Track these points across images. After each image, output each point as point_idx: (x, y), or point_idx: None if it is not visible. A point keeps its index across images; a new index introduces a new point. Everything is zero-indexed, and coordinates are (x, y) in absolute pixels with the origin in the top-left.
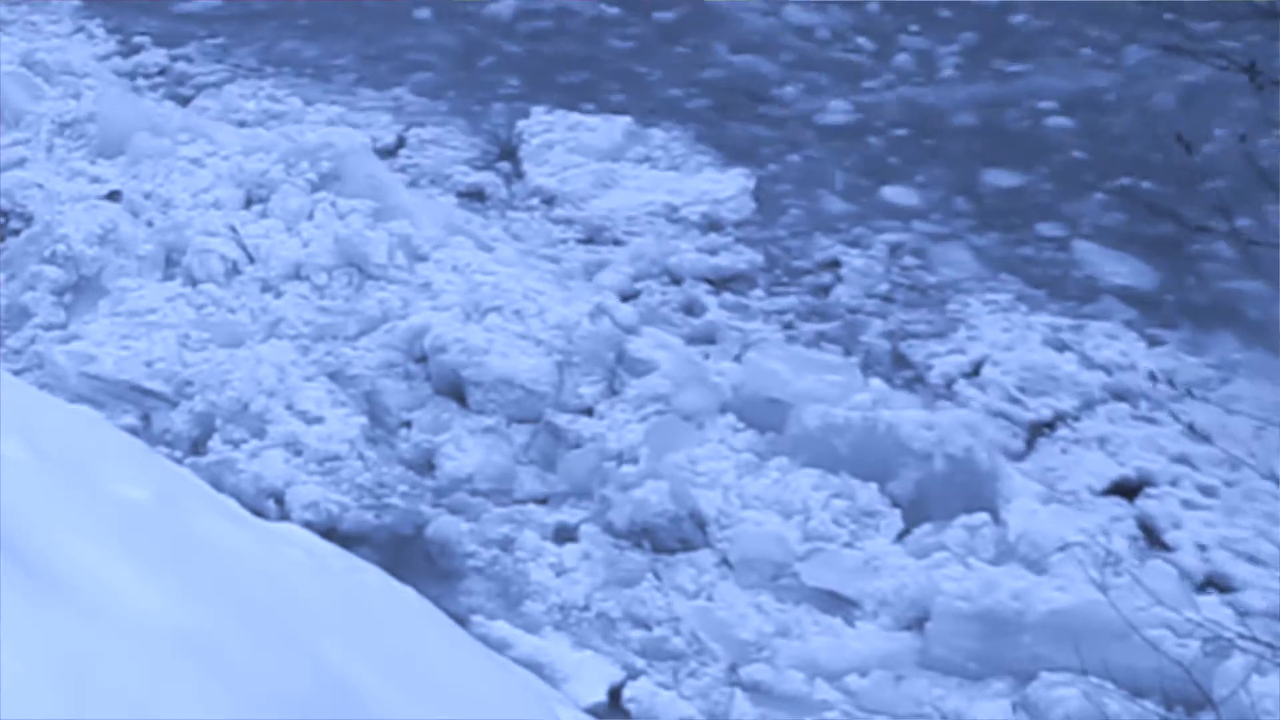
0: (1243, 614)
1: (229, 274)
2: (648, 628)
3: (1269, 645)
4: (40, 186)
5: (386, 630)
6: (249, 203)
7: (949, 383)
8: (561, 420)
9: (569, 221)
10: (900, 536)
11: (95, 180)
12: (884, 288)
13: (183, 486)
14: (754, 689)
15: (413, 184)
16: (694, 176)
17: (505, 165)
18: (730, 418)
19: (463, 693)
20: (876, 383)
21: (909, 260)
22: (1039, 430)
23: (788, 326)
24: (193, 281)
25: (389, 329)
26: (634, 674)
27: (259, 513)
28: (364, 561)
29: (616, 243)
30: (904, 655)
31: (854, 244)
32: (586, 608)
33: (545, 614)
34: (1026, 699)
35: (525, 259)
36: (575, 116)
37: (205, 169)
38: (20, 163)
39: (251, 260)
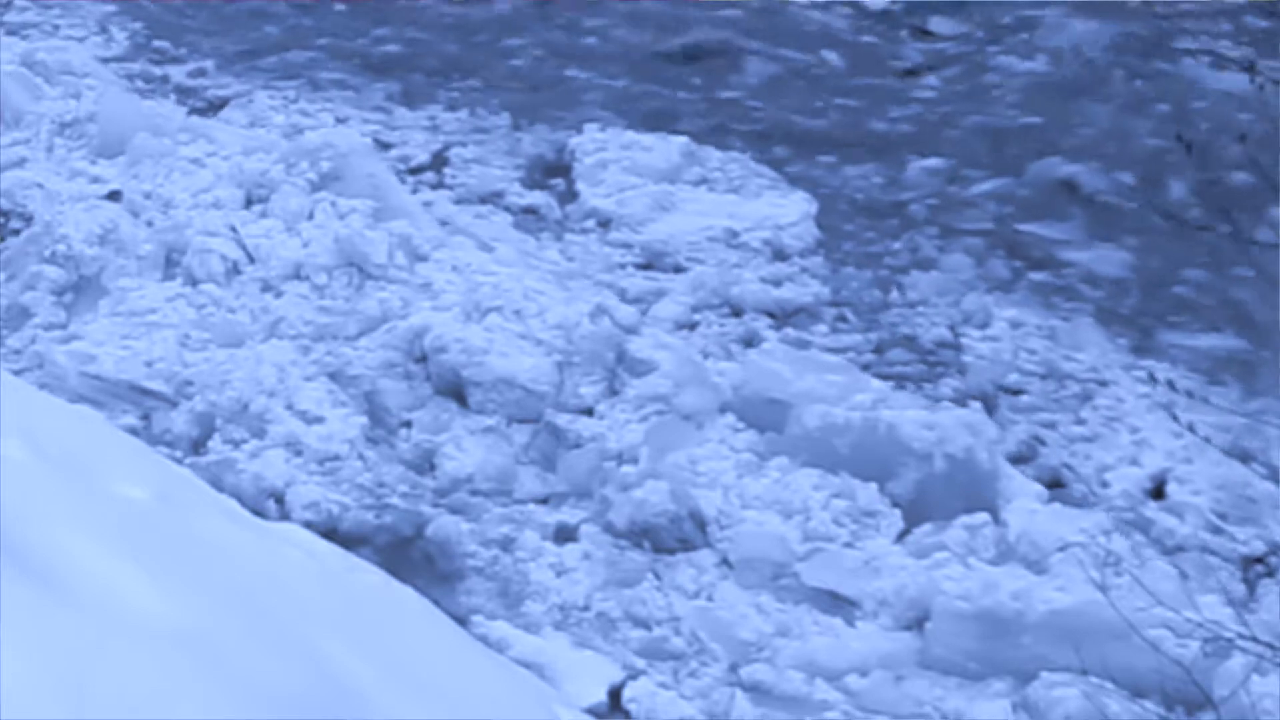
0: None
1: (229, 274)
2: (648, 628)
3: (1269, 645)
4: (40, 186)
5: (386, 630)
6: (249, 203)
7: (1134, 504)
8: (561, 420)
9: (626, 245)
10: (900, 536)
11: (95, 180)
12: (1013, 376)
13: (183, 486)
14: (754, 689)
15: (460, 202)
16: (754, 200)
17: (557, 183)
18: (730, 418)
19: (463, 693)
20: (876, 383)
21: (1037, 344)
22: (1252, 566)
23: (866, 369)
24: (193, 281)
25: (389, 329)
26: (634, 674)
27: (259, 513)
28: (364, 561)
29: (677, 269)
30: (904, 655)
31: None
32: (586, 608)
33: (545, 614)
34: (1026, 699)
35: (525, 259)
36: (630, 134)
37: (205, 169)
38: (20, 163)
39: (251, 260)
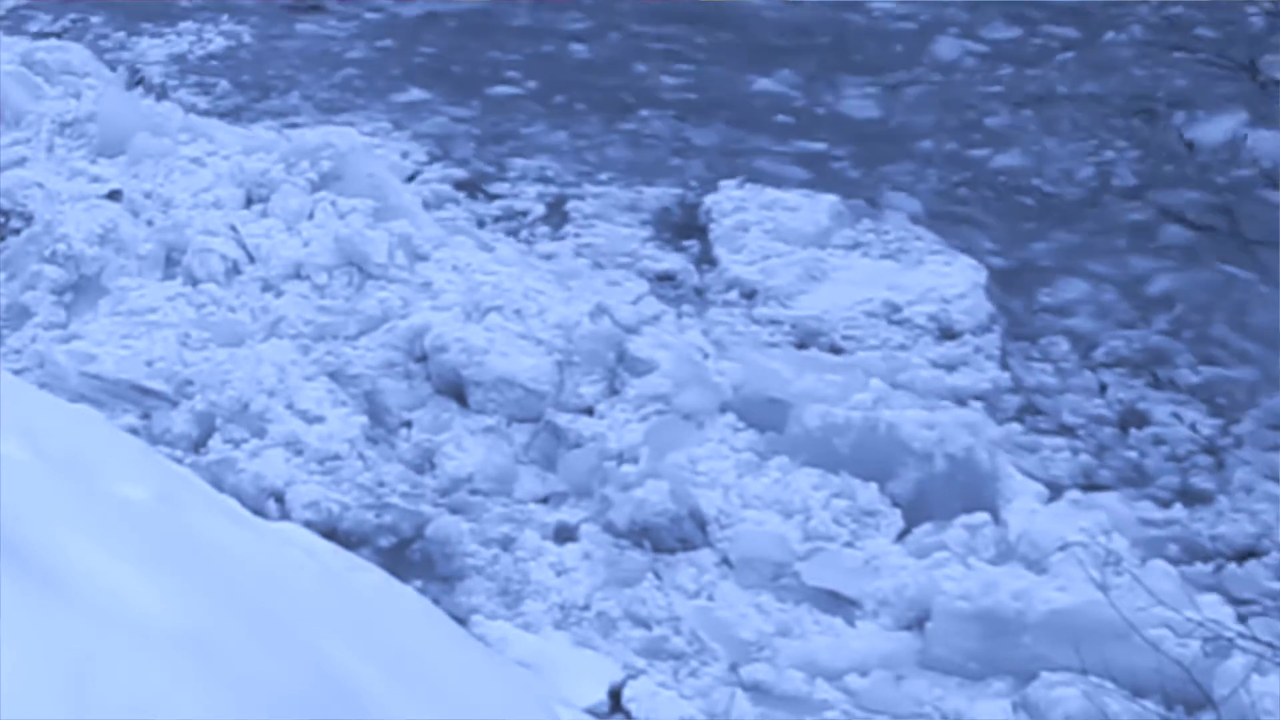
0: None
1: (229, 273)
2: (648, 627)
3: (1269, 645)
4: (40, 186)
5: (386, 630)
6: (249, 202)
7: None
8: (562, 420)
9: (776, 321)
10: (900, 536)
11: (95, 180)
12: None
13: (183, 486)
14: (754, 689)
15: (597, 265)
16: (915, 269)
17: (691, 244)
18: (730, 417)
19: (463, 693)
20: (876, 382)
21: None
22: None
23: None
24: (193, 281)
25: (389, 328)
26: (634, 674)
27: (259, 513)
28: (364, 561)
29: (835, 350)
30: (904, 655)
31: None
32: (586, 607)
33: (545, 613)
34: (1026, 699)
35: (525, 258)
36: (771, 193)
37: (205, 168)
38: (20, 162)
39: (252, 260)
